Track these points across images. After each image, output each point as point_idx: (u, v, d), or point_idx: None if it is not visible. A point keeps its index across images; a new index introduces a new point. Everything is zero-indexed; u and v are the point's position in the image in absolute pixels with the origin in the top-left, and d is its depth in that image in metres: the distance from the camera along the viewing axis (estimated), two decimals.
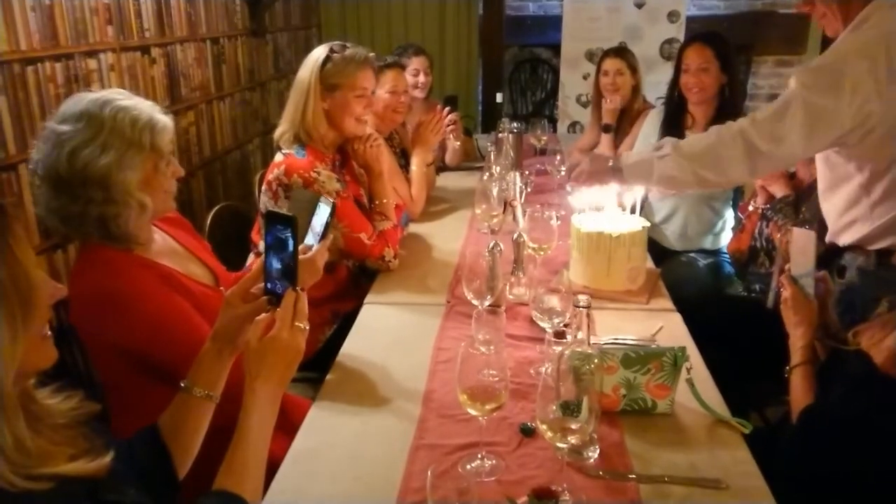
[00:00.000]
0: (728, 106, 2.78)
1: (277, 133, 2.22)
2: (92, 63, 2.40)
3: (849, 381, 1.41)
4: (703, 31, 3.02)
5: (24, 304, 0.85)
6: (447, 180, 3.37)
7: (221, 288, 1.69)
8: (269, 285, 1.21)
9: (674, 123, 2.92)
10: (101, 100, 1.46)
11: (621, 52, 3.54)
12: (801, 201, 2.35)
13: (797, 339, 1.68)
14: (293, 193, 2.01)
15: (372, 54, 2.28)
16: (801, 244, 1.76)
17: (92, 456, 0.88)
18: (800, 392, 1.59)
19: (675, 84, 2.91)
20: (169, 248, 1.66)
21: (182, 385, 1.23)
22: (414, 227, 2.69)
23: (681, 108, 2.91)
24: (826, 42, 5.63)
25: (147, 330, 1.45)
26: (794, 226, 1.94)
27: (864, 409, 1.35)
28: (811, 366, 1.63)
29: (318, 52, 2.19)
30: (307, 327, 1.18)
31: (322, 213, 1.54)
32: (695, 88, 2.79)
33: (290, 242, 1.18)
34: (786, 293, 1.74)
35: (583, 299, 1.34)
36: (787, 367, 1.66)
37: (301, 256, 1.50)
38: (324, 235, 1.53)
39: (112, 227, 1.46)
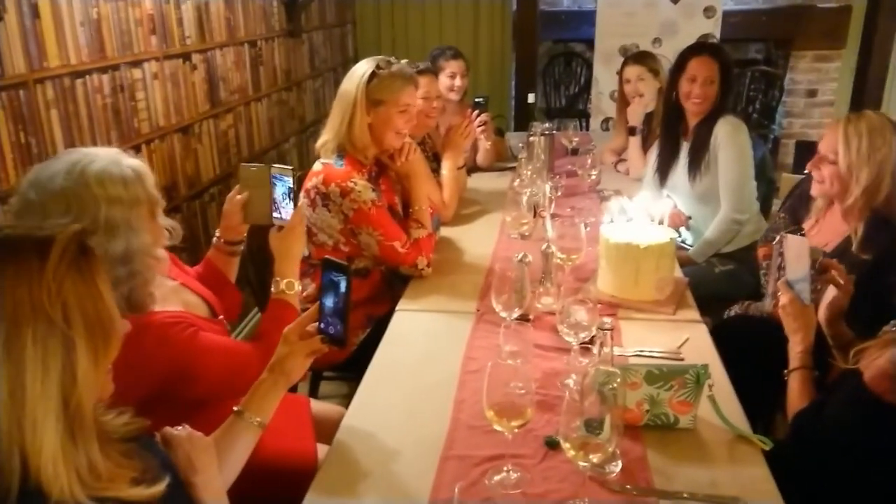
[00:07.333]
0: (711, 118, 2.83)
1: (319, 143, 2.29)
2: (136, 73, 2.49)
3: (843, 396, 1.46)
4: (709, 43, 3.01)
5: (106, 337, 0.94)
6: (479, 181, 3.40)
7: (220, 317, 1.69)
8: (322, 325, 1.36)
9: (672, 133, 2.96)
10: (75, 172, 1.27)
11: (641, 57, 3.55)
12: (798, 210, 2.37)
13: (795, 344, 1.74)
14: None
15: (414, 69, 2.33)
16: (795, 251, 1.79)
17: (149, 481, 0.96)
18: (796, 395, 1.66)
19: (673, 88, 2.92)
20: (167, 288, 1.54)
21: (235, 409, 1.31)
22: (445, 231, 2.74)
23: (679, 116, 2.94)
24: (867, 37, 5.49)
25: (216, 383, 1.49)
26: (788, 233, 1.96)
27: (851, 426, 1.41)
28: (808, 370, 1.69)
29: (364, 67, 2.24)
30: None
31: (284, 183, 1.71)
32: (698, 99, 2.82)
33: (343, 285, 1.31)
34: (783, 299, 1.78)
35: (607, 321, 1.39)
36: (786, 371, 1.72)
37: (278, 231, 1.74)
38: (295, 203, 1.71)
39: (137, 297, 1.34)
